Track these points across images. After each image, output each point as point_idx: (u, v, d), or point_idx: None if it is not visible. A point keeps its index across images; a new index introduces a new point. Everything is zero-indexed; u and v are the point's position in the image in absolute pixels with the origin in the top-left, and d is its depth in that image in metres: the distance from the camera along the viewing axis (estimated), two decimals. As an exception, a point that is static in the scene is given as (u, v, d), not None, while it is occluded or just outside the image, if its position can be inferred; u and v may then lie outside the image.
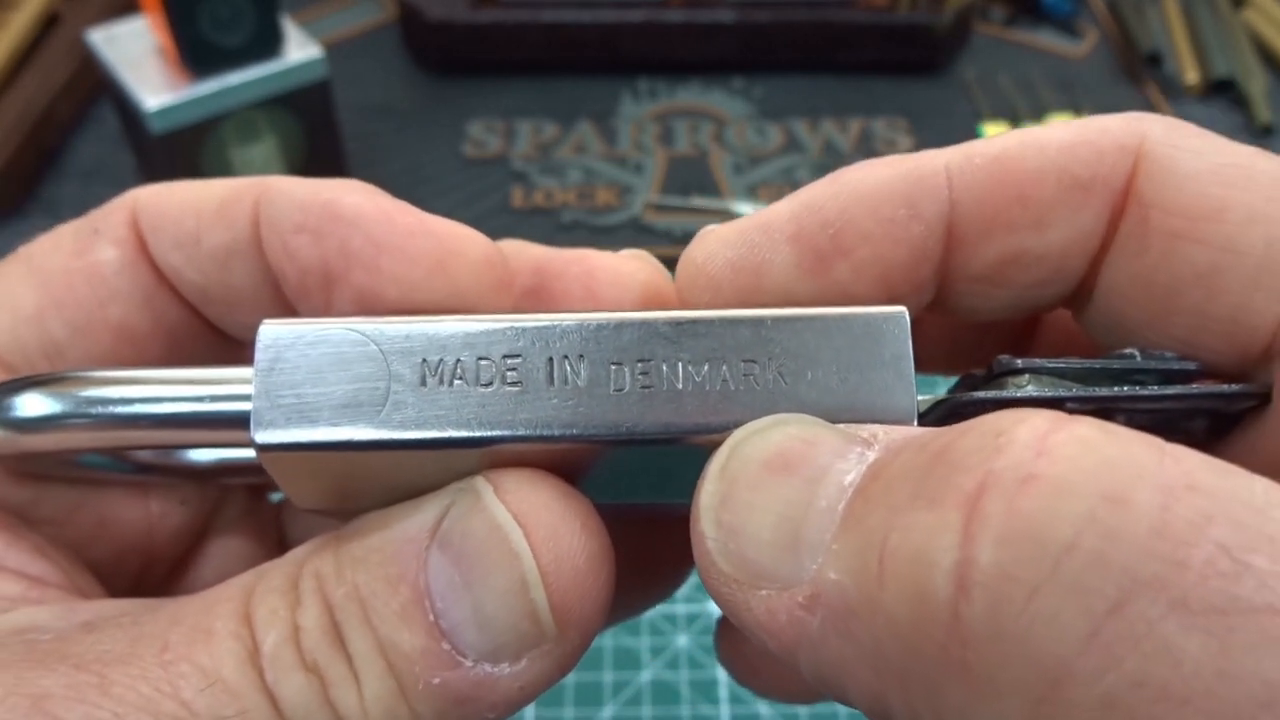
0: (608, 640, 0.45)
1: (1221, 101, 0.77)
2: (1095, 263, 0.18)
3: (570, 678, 0.43)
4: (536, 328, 0.16)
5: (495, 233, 0.20)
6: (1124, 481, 0.11)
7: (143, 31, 0.60)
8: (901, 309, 0.16)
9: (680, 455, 0.16)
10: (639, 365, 0.16)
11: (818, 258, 0.18)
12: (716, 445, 0.16)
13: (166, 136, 0.58)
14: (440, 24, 0.74)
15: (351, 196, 0.18)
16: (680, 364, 0.16)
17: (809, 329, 0.16)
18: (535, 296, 0.19)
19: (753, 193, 0.68)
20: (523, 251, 0.20)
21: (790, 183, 0.69)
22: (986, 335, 0.23)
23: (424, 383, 0.16)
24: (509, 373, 0.16)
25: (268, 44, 0.59)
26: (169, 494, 0.22)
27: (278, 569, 0.17)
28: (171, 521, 0.22)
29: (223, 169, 0.61)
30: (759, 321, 0.16)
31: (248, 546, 0.24)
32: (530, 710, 0.42)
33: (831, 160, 0.71)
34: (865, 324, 0.16)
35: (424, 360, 0.16)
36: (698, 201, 0.67)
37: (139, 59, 0.59)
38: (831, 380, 0.16)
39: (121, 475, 0.21)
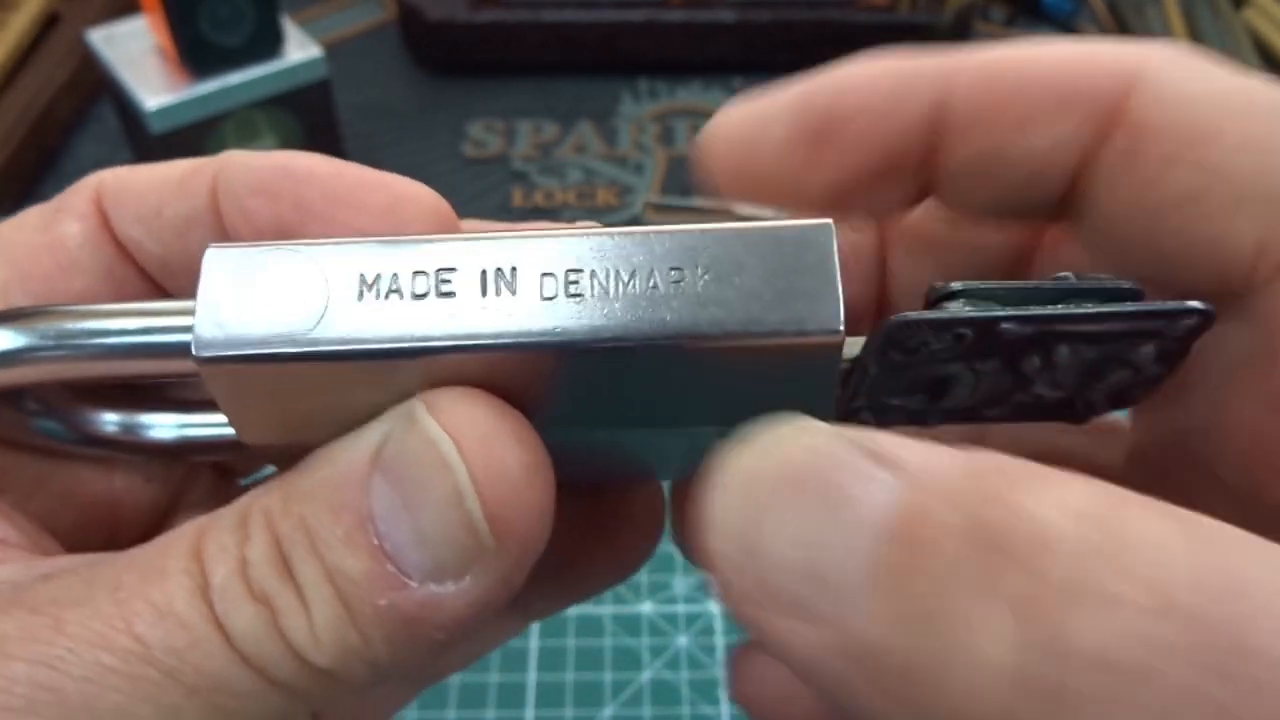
0: (608, 640, 0.45)
1: (1221, 101, 0.77)
2: (1079, 178, 0.18)
3: (570, 677, 0.43)
4: (469, 242, 0.16)
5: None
6: (1236, 623, 0.11)
7: (143, 31, 0.60)
8: (827, 221, 0.16)
9: (620, 368, 0.16)
10: (569, 275, 0.16)
11: (812, 134, 0.19)
12: (647, 349, 0.16)
13: (166, 136, 0.58)
14: (440, 24, 0.74)
15: (304, 159, 0.19)
16: (609, 271, 0.16)
17: (737, 240, 0.16)
18: None
19: (753, 193, 0.68)
20: (476, 228, 0.20)
21: (790, 183, 0.69)
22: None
23: (360, 297, 0.16)
24: (443, 284, 0.16)
25: (268, 44, 0.59)
26: (134, 470, 0.22)
27: (229, 510, 0.17)
28: (136, 497, 0.22)
29: (223, 169, 0.61)
30: (687, 233, 0.16)
31: None
32: (530, 709, 0.42)
33: (831, 160, 0.71)
34: (792, 233, 0.16)
35: (361, 275, 0.16)
36: (698, 201, 0.67)
37: (139, 59, 0.59)
38: (758, 285, 0.16)
39: (83, 448, 0.21)
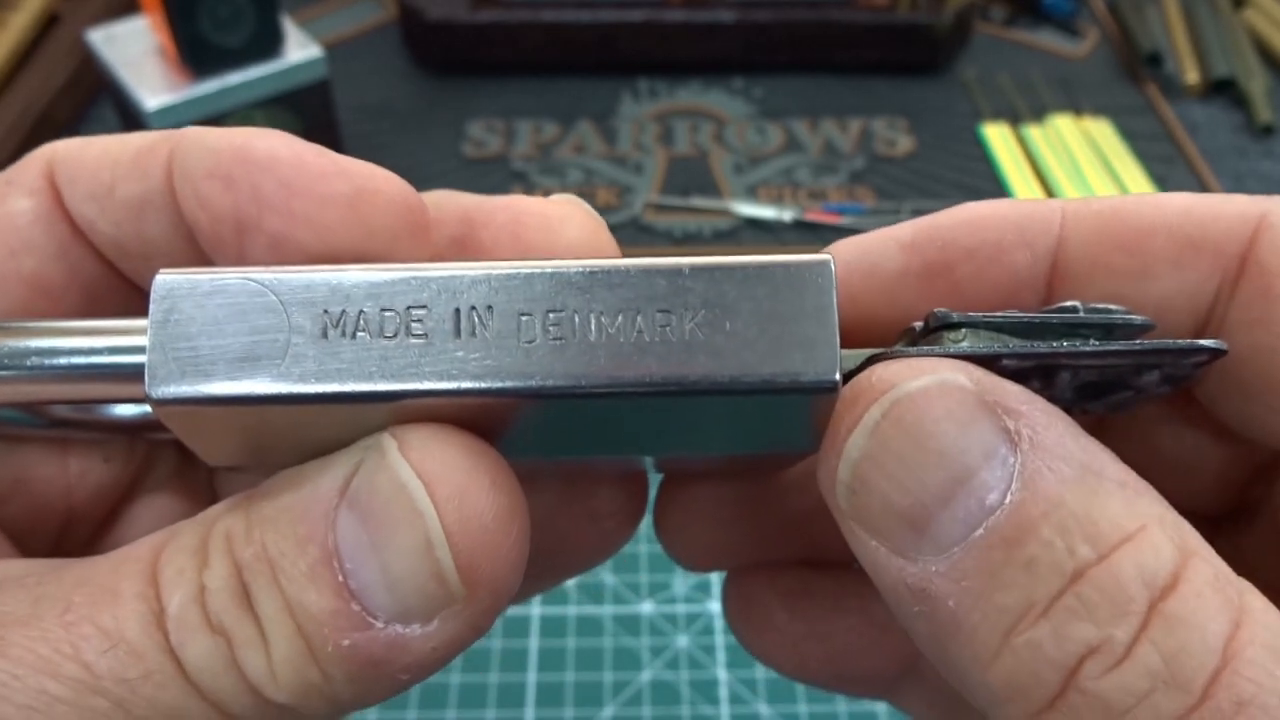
0: (608, 640, 0.45)
1: (1221, 101, 0.77)
2: (1202, 325, 0.18)
3: (570, 677, 0.43)
4: (443, 277, 0.15)
5: (414, 188, 0.19)
6: None
7: (143, 31, 0.60)
8: (827, 256, 0.16)
9: (599, 409, 0.16)
10: (550, 316, 0.15)
11: (925, 266, 0.19)
12: (630, 395, 0.15)
13: (166, 136, 0.58)
14: (440, 24, 0.74)
15: (265, 141, 0.17)
16: (593, 315, 0.15)
17: (728, 278, 0.15)
18: (462, 246, 0.19)
19: (753, 193, 0.68)
20: (450, 200, 0.19)
21: (790, 183, 0.69)
22: None
23: (325, 335, 0.15)
24: (414, 324, 0.15)
25: (268, 44, 0.59)
26: (90, 451, 0.21)
27: (189, 528, 0.16)
28: (93, 480, 0.21)
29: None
30: (676, 271, 0.15)
31: (178, 507, 0.23)
32: (530, 709, 0.42)
33: (831, 160, 0.71)
34: (787, 272, 0.15)
35: (325, 311, 0.15)
36: (698, 201, 0.67)
37: (139, 59, 0.59)
38: (751, 332, 0.15)
39: (38, 430, 0.20)
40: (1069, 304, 0.17)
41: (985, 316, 0.17)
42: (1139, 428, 0.21)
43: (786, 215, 0.66)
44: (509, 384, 0.15)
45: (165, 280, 0.15)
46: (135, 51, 0.59)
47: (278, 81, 0.60)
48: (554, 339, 0.15)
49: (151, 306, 0.15)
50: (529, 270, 0.15)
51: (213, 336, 0.15)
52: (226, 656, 0.15)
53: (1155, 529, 0.14)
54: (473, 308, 0.15)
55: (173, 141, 0.18)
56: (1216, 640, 0.13)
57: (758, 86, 0.77)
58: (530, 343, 0.15)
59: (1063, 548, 0.14)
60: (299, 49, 0.60)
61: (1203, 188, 0.68)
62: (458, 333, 0.15)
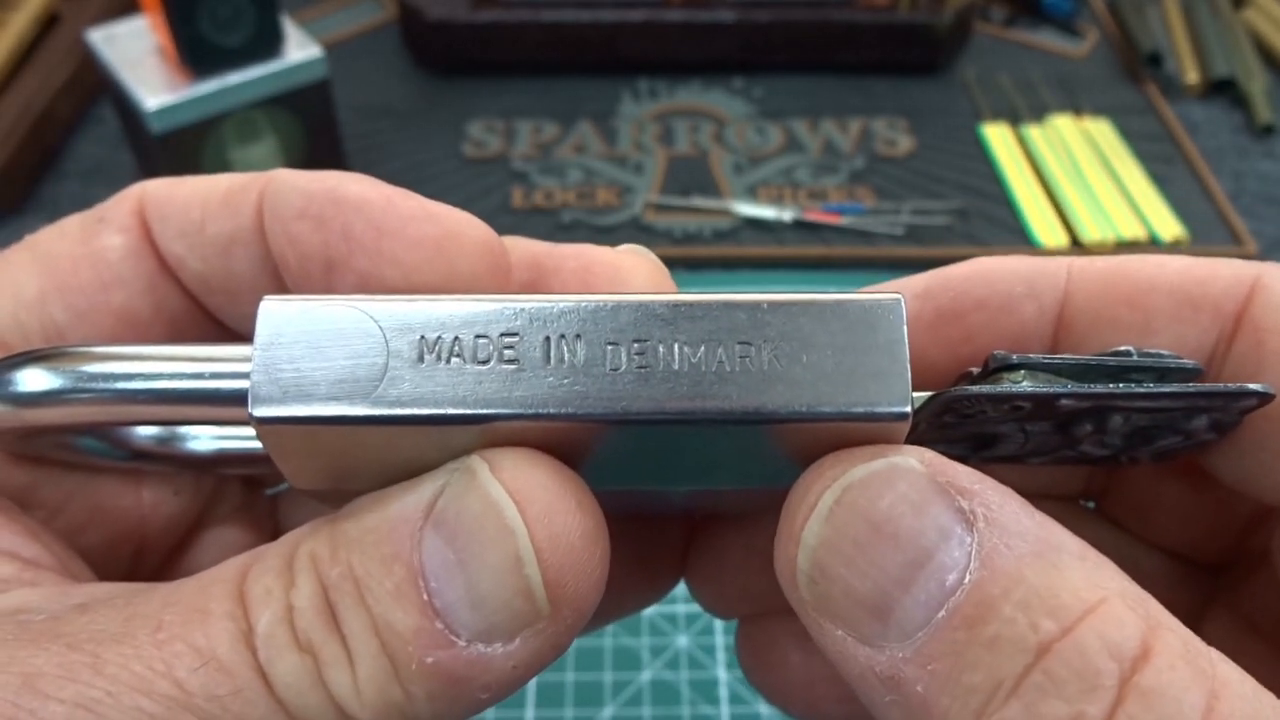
0: (608, 640, 0.45)
1: (1221, 101, 0.77)
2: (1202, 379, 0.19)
3: (570, 677, 0.43)
4: (534, 307, 0.16)
5: (495, 232, 0.20)
6: None
7: (143, 31, 0.60)
8: (898, 295, 0.16)
9: (677, 437, 0.16)
10: (635, 345, 0.16)
11: (937, 313, 0.20)
12: (711, 423, 0.16)
13: (166, 136, 0.58)
14: (440, 24, 0.75)
15: (354, 184, 0.18)
16: (676, 345, 0.16)
17: (805, 313, 0.16)
18: (532, 290, 0.19)
19: (752, 193, 0.68)
20: (521, 246, 0.20)
21: (790, 183, 0.69)
22: None
23: (421, 359, 0.16)
24: (506, 350, 0.16)
25: (268, 44, 0.59)
26: (163, 483, 0.22)
27: (273, 550, 0.17)
28: (164, 511, 0.22)
29: (222, 169, 0.61)
30: (755, 305, 0.16)
31: (242, 539, 0.24)
32: (530, 709, 0.42)
33: (831, 160, 0.71)
34: (861, 310, 0.16)
35: (422, 337, 0.16)
36: (698, 201, 0.67)
37: (139, 59, 0.59)
38: (826, 364, 0.16)
39: (117, 461, 0.21)
40: (1123, 348, 0.18)
41: (1043, 358, 0.17)
42: (1140, 475, 0.21)
43: (786, 215, 0.66)
44: (596, 409, 0.16)
45: (271, 306, 0.16)
46: (135, 51, 0.59)
47: (278, 81, 0.60)
48: (639, 367, 0.16)
49: (257, 330, 0.16)
50: (616, 301, 0.16)
51: (314, 360, 0.16)
52: (313, 674, 0.15)
53: (1116, 601, 0.14)
54: (562, 336, 0.16)
55: (263, 182, 0.19)
56: (1194, 713, 0.13)
57: (758, 86, 0.77)
58: (616, 370, 0.16)
59: (1025, 623, 0.14)
60: (299, 49, 0.60)
61: (1203, 188, 0.68)
62: (548, 359, 0.16)
